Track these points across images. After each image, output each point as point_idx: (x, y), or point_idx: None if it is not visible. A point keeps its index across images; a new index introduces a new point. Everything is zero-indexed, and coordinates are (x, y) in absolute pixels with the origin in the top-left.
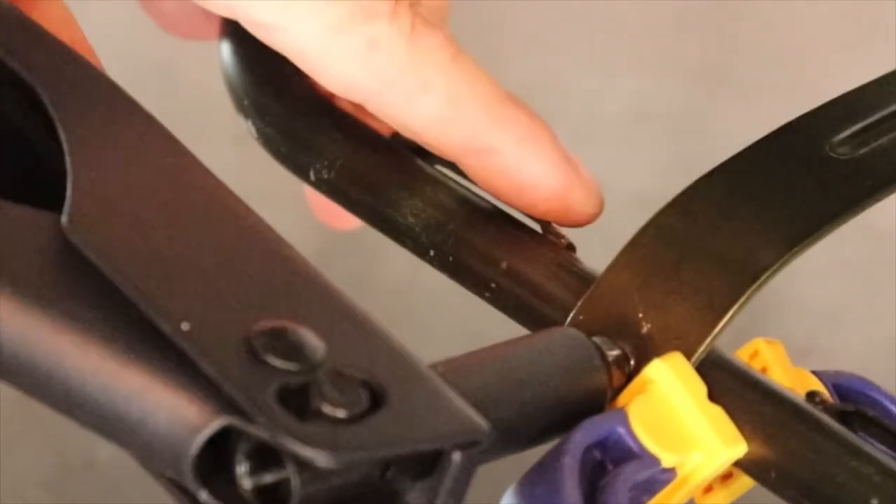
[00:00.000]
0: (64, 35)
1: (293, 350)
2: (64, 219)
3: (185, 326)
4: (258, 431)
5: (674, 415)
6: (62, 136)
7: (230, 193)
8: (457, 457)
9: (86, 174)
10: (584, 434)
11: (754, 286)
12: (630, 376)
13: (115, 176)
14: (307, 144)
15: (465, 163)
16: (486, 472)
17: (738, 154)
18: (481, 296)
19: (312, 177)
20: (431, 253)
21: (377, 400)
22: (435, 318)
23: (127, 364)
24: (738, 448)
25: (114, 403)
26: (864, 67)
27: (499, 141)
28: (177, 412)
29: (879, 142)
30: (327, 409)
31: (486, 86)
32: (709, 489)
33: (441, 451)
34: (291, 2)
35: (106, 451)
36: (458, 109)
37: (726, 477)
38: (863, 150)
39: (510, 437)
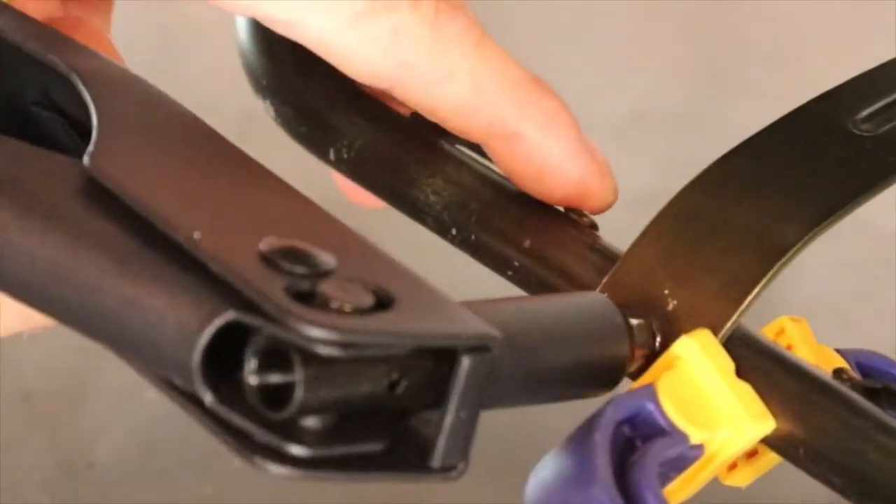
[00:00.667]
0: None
1: (304, 259)
2: (86, 158)
3: (196, 235)
4: (266, 324)
5: (702, 391)
6: (89, 101)
7: (236, 146)
8: (467, 360)
9: (109, 124)
10: (615, 410)
11: (780, 262)
12: (655, 353)
13: (134, 128)
14: (327, 124)
15: (490, 146)
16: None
17: (760, 131)
18: (503, 274)
19: (332, 156)
20: (453, 231)
21: (385, 305)
22: None
23: (138, 272)
24: (766, 424)
25: (124, 308)
26: (864, 67)
27: (522, 126)
28: (184, 311)
29: None
30: (334, 303)
31: (510, 70)
32: (733, 466)
33: (452, 369)
34: None
35: (106, 452)
36: (482, 94)
37: (751, 454)
38: (886, 127)
39: (522, 378)
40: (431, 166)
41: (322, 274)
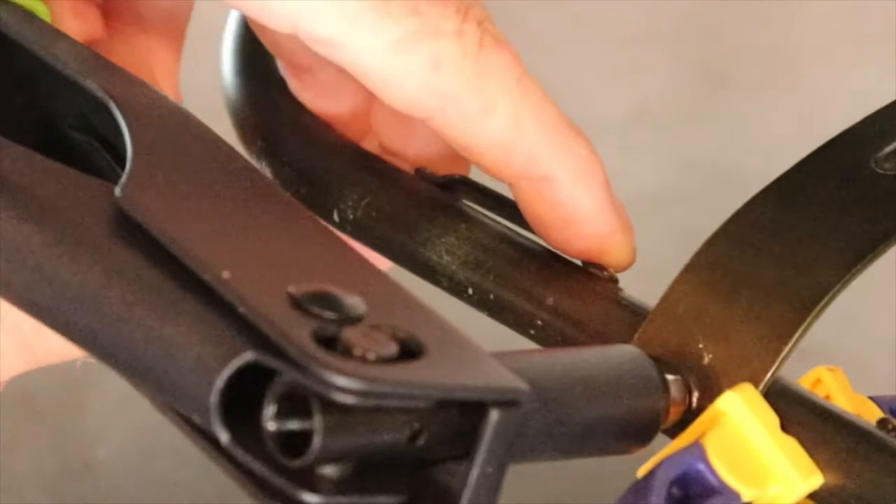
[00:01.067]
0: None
1: (332, 304)
2: (118, 190)
3: (225, 275)
4: (287, 369)
5: (749, 448)
6: (125, 129)
7: (270, 181)
8: (495, 414)
9: (144, 153)
10: (666, 470)
11: (816, 310)
12: (692, 409)
13: (168, 160)
14: (329, 185)
15: (520, 187)
16: None
17: (783, 175)
18: (526, 334)
19: (336, 217)
20: (470, 291)
21: (414, 353)
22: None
23: (163, 306)
24: (815, 480)
25: (147, 341)
26: (864, 67)
27: (557, 170)
28: (206, 348)
29: None
30: (357, 350)
31: (549, 111)
32: None
33: (479, 422)
34: (356, 17)
35: (106, 452)
36: (520, 133)
37: None
38: None
39: (552, 432)
40: (443, 224)
41: (350, 319)
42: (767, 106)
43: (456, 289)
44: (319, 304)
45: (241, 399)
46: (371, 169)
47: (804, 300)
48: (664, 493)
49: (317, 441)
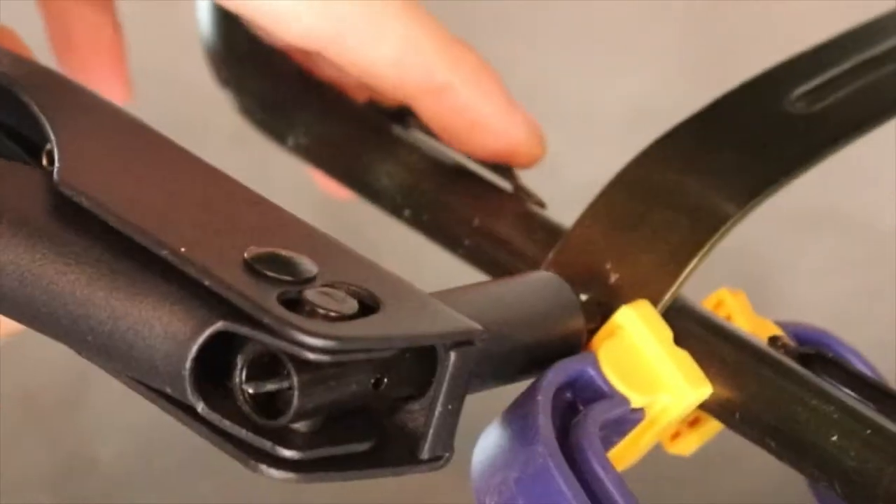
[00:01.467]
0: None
1: (287, 267)
2: (55, 178)
3: (182, 250)
4: (258, 334)
5: (642, 358)
6: (40, 113)
7: (202, 158)
8: (454, 355)
9: (71, 144)
10: (556, 374)
11: (716, 236)
12: (599, 324)
13: (95, 140)
14: (284, 113)
15: (422, 104)
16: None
17: (701, 110)
18: (455, 252)
19: (291, 143)
20: (406, 213)
21: (371, 307)
22: None
23: (125, 285)
24: (704, 389)
25: (113, 322)
26: None
27: (453, 79)
28: (173, 323)
29: (835, 96)
30: (322, 310)
31: (436, 27)
32: (676, 435)
33: (435, 362)
34: None
35: (107, 451)
36: (415, 51)
37: (693, 422)
38: (819, 105)
39: (494, 363)
40: (384, 150)
41: (306, 280)
42: None
43: (395, 211)
44: (275, 267)
45: (208, 364)
46: (323, 99)
47: (705, 226)
48: (551, 393)
49: (296, 399)
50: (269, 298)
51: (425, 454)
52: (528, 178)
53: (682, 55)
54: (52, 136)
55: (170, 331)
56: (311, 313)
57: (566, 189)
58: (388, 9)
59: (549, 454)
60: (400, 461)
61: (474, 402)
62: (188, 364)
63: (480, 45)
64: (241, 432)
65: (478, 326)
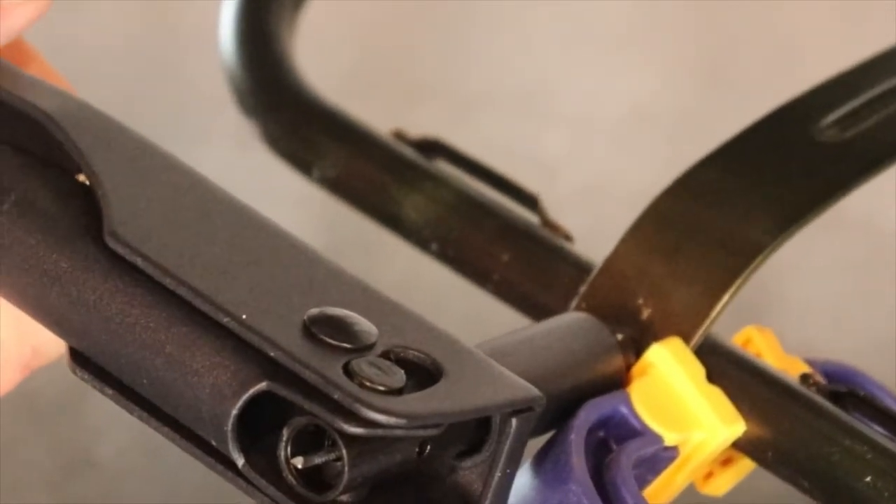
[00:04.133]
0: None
1: (347, 332)
2: (106, 234)
3: (244, 317)
4: (300, 399)
5: (674, 396)
6: (82, 162)
7: (248, 205)
8: (515, 422)
9: (115, 192)
10: (588, 413)
11: (748, 270)
12: (631, 362)
13: (144, 194)
14: (310, 145)
15: None
16: None
17: (730, 140)
18: (483, 287)
19: (316, 175)
20: (434, 247)
21: (433, 375)
22: (436, 316)
23: (182, 335)
24: (737, 427)
25: (168, 367)
26: None
27: None
28: (221, 378)
29: (865, 124)
30: (383, 383)
31: None
32: (709, 475)
33: (489, 424)
34: None
35: (107, 451)
36: None
37: (725, 461)
38: (849, 133)
39: (545, 415)
40: (411, 184)
41: (366, 347)
42: (766, 104)
43: (422, 244)
44: (335, 333)
45: (253, 423)
46: (349, 131)
47: (737, 260)
48: (584, 431)
49: (346, 474)
50: (334, 370)
51: None
52: (528, 178)
53: (682, 55)
54: (100, 187)
55: (217, 385)
56: (373, 385)
57: (566, 189)
58: None
59: (584, 492)
60: None
61: None
62: (231, 421)
63: (481, 45)
64: (284, 500)
65: (537, 393)
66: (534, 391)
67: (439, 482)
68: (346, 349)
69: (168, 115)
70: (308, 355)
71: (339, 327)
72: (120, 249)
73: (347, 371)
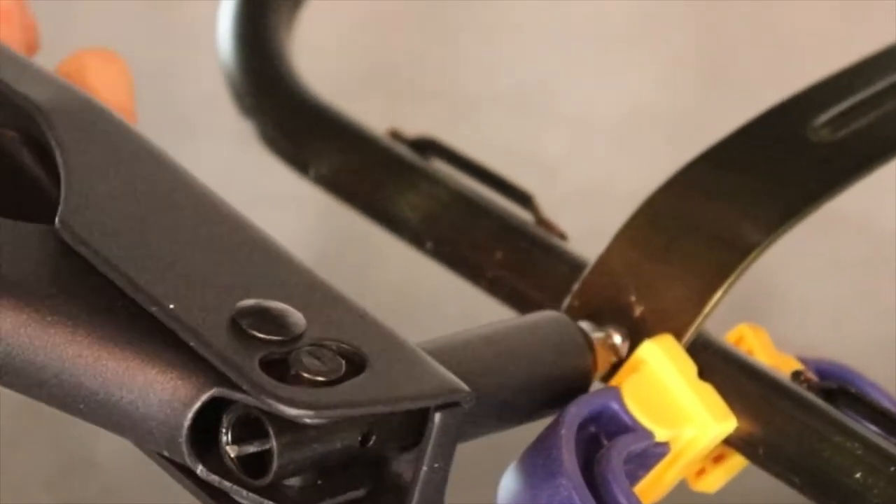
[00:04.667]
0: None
1: (275, 324)
2: (57, 221)
3: (171, 306)
4: (244, 398)
5: (666, 392)
6: (57, 153)
7: (211, 192)
8: (439, 417)
9: (77, 180)
10: (579, 408)
11: (740, 267)
12: (623, 358)
13: (103, 181)
14: (307, 144)
15: None
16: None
17: (723, 139)
18: (477, 284)
19: (312, 174)
20: (428, 245)
21: (357, 367)
22: (432, 316)
23: (117, 350)
24: (728, 423)
25: (107, 390)
26: None
27: None
28: (167, 390)
29: (858, 124)
30: (307, 375)
31: None
32: (701, 472)
33: (425, 418)
34: None
35: (106, 451)
36: None
37: (717, 458)
38: (841, 133)
39: (495, 409)
40: (406, 182)
41: (293, 339)
42: (765, 105)
43: (417, 242)
44: (261, 325)
45: (203, 427)
46: (346, 130)
47: (729, 258)
48: (574, 426)
49: (276, 461)
50: (250, 362)
51: None
52: (528, 178)
53: (682, 55)
54: (63, 174)
55: (164, 398)
56: (296, 377)
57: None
58: None
59: (574, 487)
60: None
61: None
62: (184, 432)
63: (480, 45)
64: (242, 493)
65: (464, 388)
66: (459, 385)
67: (384, 467)
68: (269, 341)
69: (166, 114)
70: (226, 347)
71: (267, 319)
72: (66, 237)
73: (275, 362)
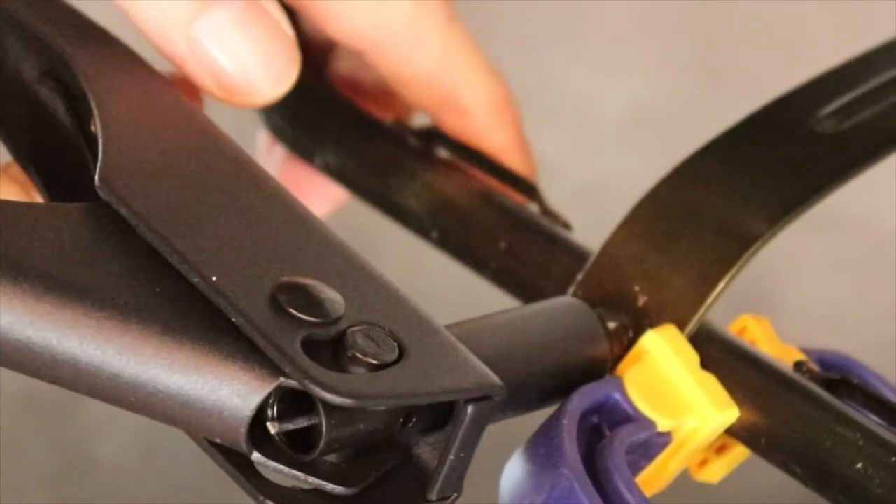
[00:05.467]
0: None
1: (314, 304)
2: (97, 180)
3: (213, 278)
4: (297, 385)
5: (668, 382)
6: (94, 107)
7: (251, 159)
8: (471, 409)
9: (116, 138)
10: (581, 398)
11: (744, 258)
12: (626, 348)
13: (143, 141)
14: (313, 131)
15: (441, 118)
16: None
17: (728, 130)
18: (482, 274)
19: (318, 162)
20: (434, 234)
21: (397, 356)
22: (432, 310)
23: (174, 342)
24: (730, 413)
25: (165, 383)
26: None
27: (474, 104)
28: (228, 381)
29: (862, 115)
30: (351, 361)
31: (473, 51)
32: (704, 462)
33: (454, 404)
34: None
35: (106, 451)
36: (445, 67)
37: (720, 449)
38: (847, 124)
39: (517, 397)
40: (412, 171)
41: (332, 321)
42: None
43: (422, 232)
44: (301, 305)
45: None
46: (352, 118)
47: (733, 249)
48: (577, 416)
49: (324, 437)
50: (293, 344)
51: (434, 495)
52: None
53: (681, 55)
54: (99, 128)
55: (227, 390)
56: (334, 362)
57: (566, 189)
58: (433, 20)
59: (576, 477)
60: (408, 497)
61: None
62: (247, 423)
63: (480, 44)
64: (283, 470)
65: (497, 382)
66: (493, 379)
67: (408, 450)
68: (308, 322)
69: None
70: (269, 326)
71: (306, 297)
72: (107, 197)
73: (316, 343)
